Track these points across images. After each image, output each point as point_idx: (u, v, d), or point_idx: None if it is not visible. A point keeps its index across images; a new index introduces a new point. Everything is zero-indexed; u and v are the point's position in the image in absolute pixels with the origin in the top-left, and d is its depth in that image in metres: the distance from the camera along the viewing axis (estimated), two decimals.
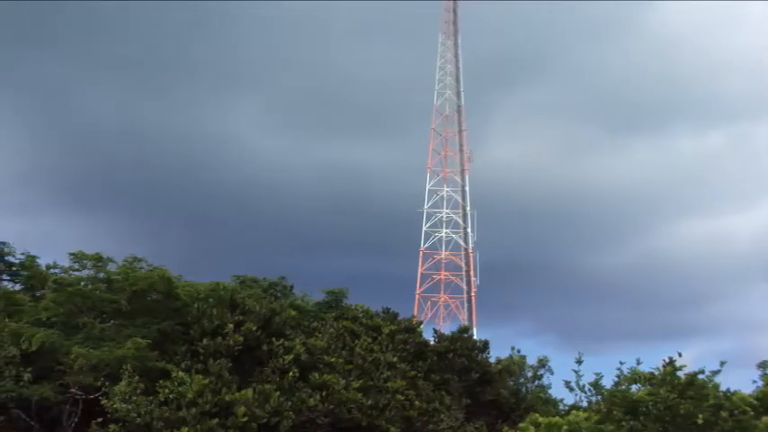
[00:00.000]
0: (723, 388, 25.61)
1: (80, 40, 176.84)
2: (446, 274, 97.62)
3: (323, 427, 38.23)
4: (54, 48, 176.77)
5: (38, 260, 43.03)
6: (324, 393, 38.20)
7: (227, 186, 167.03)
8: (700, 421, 23.90)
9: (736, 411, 24.12)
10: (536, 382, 64.78)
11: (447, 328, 66.45)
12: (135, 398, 32.50)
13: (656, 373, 26.14)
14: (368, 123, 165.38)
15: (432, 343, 54.27)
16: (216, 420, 32.74)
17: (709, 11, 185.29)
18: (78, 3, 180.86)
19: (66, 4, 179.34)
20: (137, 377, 33.00)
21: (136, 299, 39.22)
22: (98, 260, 40.51)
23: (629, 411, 25.52)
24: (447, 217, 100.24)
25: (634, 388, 27.13)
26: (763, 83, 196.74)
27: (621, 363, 28.62)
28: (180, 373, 34.11)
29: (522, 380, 63.89)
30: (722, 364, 26.28)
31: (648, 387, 26.00)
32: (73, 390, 33.77)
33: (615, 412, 25.99)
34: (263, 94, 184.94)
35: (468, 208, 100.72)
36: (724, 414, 23.96)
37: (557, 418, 27.73)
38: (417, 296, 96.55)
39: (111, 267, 40.58)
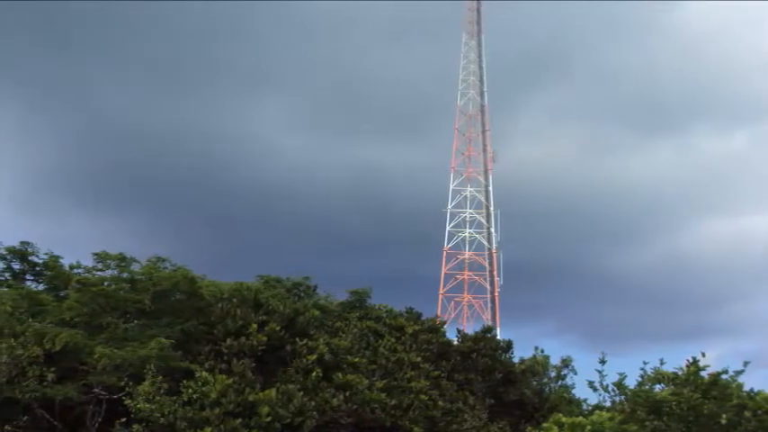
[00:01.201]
0: (746, 388, 25.55)
1: (104, 41, 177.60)
2: (469, 274, 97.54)
3: (346, 426, 38.22)
4: (79, 48, 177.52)
5: (61, 260, 43.11)
6: (347, 393, 38.22)
7: (251, 186, 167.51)
8: (723, 421, 23.82)
9: (759, 411, 24.04)
10: (559, 383, 64.39)
11: (470, 328, 66.58)
12: (158, 398, 32.50)
13: (680, 373, 26.10)
14: (391, 123, 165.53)
15: (455, 343, 54.19)
16: (239, 420, 32.72)
17: (732, 11, 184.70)
18: (103, 3, 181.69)
19: (91, 4, 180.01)
20: (160, 377, 33.01)
21: (159, 299, 39.25)
22: (121, 260, 40.58)
23: (653, 411, 25.46)
24: (470, 217, 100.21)
25: (657, 388, 27.08)
26: None
27: (645, 363, 28.60)
28: (203, 372, 34.11)
29: (545, 380, 63.53)
30: (745, 364, 26.23)
31: (672, 387, 25.95)
32: (96, 390, 33.78)
33: (639, 412, 25.94)
34: (286, 94, 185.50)
35: (492, 208, 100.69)
36: (747, 414, 23.88)
37: (580, 418, 27.70)
38: (441, 296, 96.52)
39: (135, 267, 40.64)
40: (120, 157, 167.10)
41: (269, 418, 33.25)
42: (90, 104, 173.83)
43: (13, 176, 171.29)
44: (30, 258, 42.94)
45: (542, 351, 65.50)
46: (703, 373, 25.50)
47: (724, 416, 23.81)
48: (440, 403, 43.07)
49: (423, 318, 53.35)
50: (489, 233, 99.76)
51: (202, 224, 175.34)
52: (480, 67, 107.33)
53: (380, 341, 44.83)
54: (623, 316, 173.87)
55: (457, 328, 61.73)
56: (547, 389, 62.10)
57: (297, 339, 38.67)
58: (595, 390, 30.55)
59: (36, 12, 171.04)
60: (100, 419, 34.13)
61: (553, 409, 47.90)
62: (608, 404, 32.35)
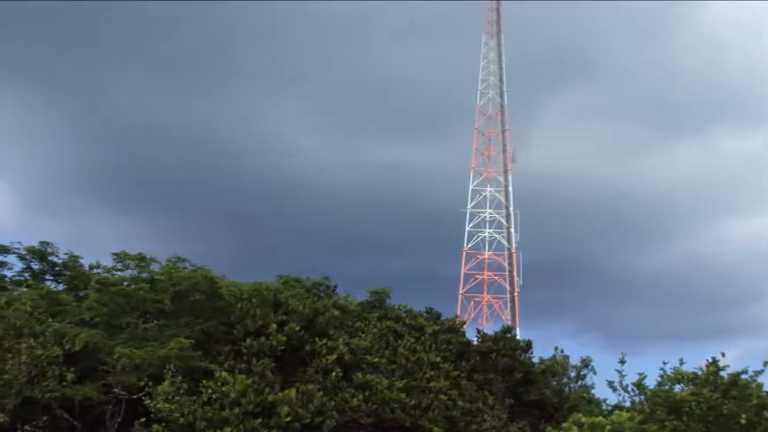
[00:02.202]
0: (766, 388, 25.47)
1: (125, 41, 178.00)
2: (489, 274, 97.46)
3: (366, 426, 38.27)
4: (98, 48, 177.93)
5: (81, 260, 43.28)
6: (366, 393, 38.25)
7: (271, 186, 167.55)
8: (743, 421, 23.75)
9: None
10: (579, 383, 64.32)
11: (490, 329, 66.54)
12: (178, 398, 32.57)
13: (700, 373, 26.03)
14: (411, 123, 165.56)
15: (475, 343, 54.20)
16: (259, 420, 32.76)
17: (753, 11, 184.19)
18: (124, 3, 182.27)
19: (112, 4, 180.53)
20: (180, 377, 33.07)
21: (179, 299, 39.34)
22: (141, 260, 40.70)
23: (673, 411, 25.39)
24: (490, 217, 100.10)
25: (677, 388, 27.00)
26: None
27: (664, 363, 28.55)
28: (223, 372, 34.16)
29: (565, 380, 63.49)
30: (765, 364, 26.14)
31: (691, 387, 25.89)
32: (116, 390, 33.87)
33: (658, 412, 25.88)
34: (304, 94, 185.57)
35: (512, 208, 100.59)
36: (767, 414, 23.80)
37: (600, 418, 27.70)
38: (460, 296, 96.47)
39: (155, 267, 40.76)
40: (140, 156, 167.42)
41: (288, 418, 33.28)
42: (108, 104, 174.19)
43: (32, 176, 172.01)
44: (49, 258, 43.08)
45: (562, 351, 65.49)
46: (723, 374, 25.43)
47: (744, 416, 23.72)
48: (459, 403, 43.10)
49: (442, 318, 53.46)
50: (509, 233, 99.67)
51: (222, 224, 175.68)
52: (500, 67, 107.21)
53: (400, 341, 44.87)
54: (643, 316, 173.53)
55: (476, 328, 61.86)
56: (566, 389, 62.12)
57: (316, 339, 38.72)
58: (615, 390, 30.49)
59: (53, 11, 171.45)
60: (119, 419, 34.22)
61: (573, 409, 47.86)
62: (627, 404, 32.33)
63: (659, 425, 25.37)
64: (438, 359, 44.81)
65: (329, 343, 38.88)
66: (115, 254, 41.06)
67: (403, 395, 39.51)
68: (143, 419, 32.83)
